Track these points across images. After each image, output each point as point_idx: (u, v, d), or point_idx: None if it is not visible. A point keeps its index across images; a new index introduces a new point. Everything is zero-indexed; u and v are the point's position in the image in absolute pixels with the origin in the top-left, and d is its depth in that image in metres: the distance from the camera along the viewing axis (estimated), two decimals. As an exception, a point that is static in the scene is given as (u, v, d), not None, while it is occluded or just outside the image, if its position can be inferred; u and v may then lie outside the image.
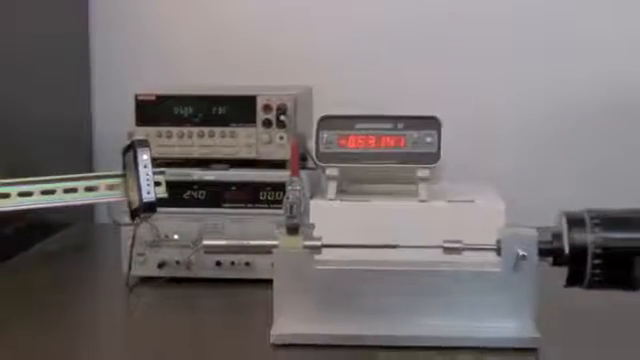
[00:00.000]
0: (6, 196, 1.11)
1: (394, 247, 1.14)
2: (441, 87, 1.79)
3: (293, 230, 1.14)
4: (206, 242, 1.19)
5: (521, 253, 1.11)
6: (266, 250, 1.15)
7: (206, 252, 1.24)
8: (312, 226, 1.18)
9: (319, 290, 1.14)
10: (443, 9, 1.80)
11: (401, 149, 1.33)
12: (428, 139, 1.33)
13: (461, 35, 1.80)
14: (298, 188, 1.15)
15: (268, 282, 1.26)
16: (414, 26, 1.81)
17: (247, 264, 1.39)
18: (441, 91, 1.78)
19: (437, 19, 1.81)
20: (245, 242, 1.18)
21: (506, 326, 1.13)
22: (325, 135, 1.34)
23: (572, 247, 1.09)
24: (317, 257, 1.15)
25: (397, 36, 1.82)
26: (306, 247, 1.14)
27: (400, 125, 1.34)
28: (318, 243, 1.15)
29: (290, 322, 1.14)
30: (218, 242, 1.21)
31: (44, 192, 1.13)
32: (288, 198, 1.14)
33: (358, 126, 1.35)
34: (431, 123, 1.34)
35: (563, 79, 1.79)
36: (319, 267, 1.15)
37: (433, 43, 1.81)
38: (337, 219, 1.22)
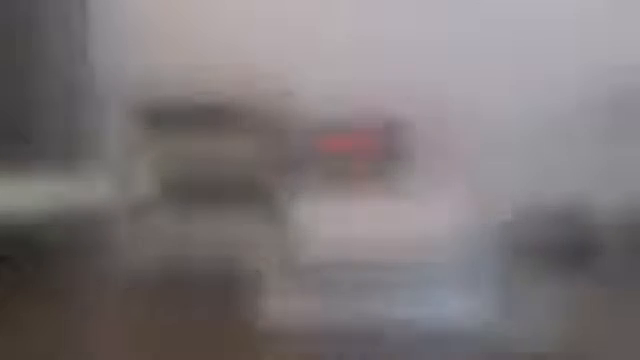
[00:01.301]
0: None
1: (374, 243, 1.19)
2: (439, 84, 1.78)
3: (281, 224, 1.20)
4: (199, 237, 1.27)
5: (483, 244, 1.18)
6: (255, 243, 1.22)
7: (203, 246, 1.30)
8: (298, 221, 1.22)
9: (305, 282, 1.19)
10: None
11: (376, 149, 1.36)
12: (400, 140, 1.37)
13: (463, 31, 1.84)
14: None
15: (256, 276, 1.30)
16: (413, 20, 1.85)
17: (234, 259, 1.41)
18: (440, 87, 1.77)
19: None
20: (235, 236, 1.25)
21: (470, 310, 1.19)
22: (305, 138, 1.38)
23: (573, 246, 1.18)
24: (303, 251, 1.20)
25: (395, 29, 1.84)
26: (293, 241, 1.19)
27: (376, 126, 1.37)
28: (305, 237, 1.19)
29: (278, 312, 1.20)
30: (211, 238, 1.27)
31: (42, 192, 1.20)
32: (276, 194, 1.21)
33: (336, 128, 1.38)
34: (402, 125, 1.37)
35: (565, 74, 1.82)
36: (305, 260, 1.19)
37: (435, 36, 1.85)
38: (320, 215, 1.26)
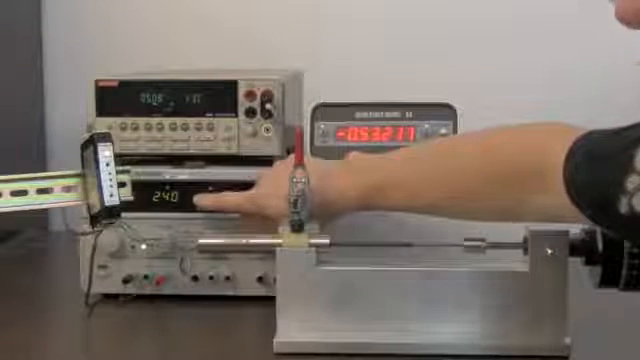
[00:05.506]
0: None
1: (408, 245, 1.17)
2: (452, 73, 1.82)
3: (298, 227, 1.16)
4: (201, 240, 1.24)
5: (550, 251, 1.13)
6: (268, 249, 1.18)
7: (200, 252, 1.30)
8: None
9: (326, 293, 1.17)
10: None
11: (410, 142, 1.34)
12: (443, 130, 1.34)
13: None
14: (303, 180, 1.15)
15: (252, 300, 1.34)
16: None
17: (227, 278, 1.37)
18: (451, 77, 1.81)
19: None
20: (244, 240, 1.21)
21: (533, 332, 1.15)
22: (321, 126, 1.36)
23: (606, 244, 1.11)
24: (323, 257, 1.17)
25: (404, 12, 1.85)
26: (313, 245, 1.16)
27: (409, 114, 1.35)
28: (326, 241, 1.17)
29: (295, 329, 1.17)
30: (214, 240, 1.26)
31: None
32: (292, 191, 1.15)
33: (359, 115, 1.36)
34: (445, 111, 1.34)
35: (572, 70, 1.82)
36: (325, 268, 1.17)
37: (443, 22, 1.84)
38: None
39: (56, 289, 1.54)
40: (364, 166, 1.18)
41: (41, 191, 1.17)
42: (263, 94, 1.38)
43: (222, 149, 1.40)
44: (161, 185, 1.38)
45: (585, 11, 1.77)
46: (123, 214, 1.18)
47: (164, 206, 1.38)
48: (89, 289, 1.36)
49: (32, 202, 1.16)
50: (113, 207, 1.17)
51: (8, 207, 1.15)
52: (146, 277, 1.37)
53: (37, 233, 1.79)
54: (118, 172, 1.18)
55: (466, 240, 1.15)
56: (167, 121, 1.40)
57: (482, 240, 1.15)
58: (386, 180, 1.14)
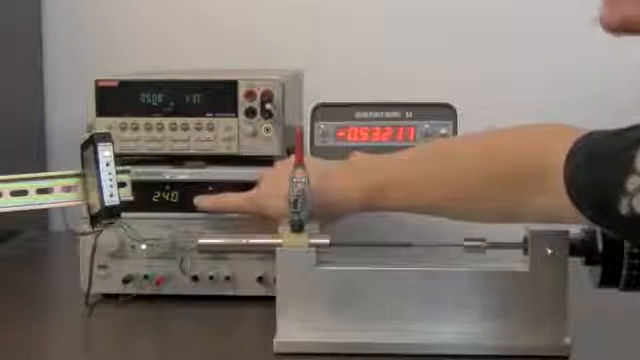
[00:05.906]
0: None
1: (408, 245, 1.17)
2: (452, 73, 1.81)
3: (298, 227, 1.15)
4: (201, 240, 1.24)
5: (550, 251, 1.12)
6: (268, 249, 1.18)
7: (200, 251, 1.31)
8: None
9: (326, 293, 1.16)
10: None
11: (410, 143, 1.32)
12: (443, 130, 1.33)
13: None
14: (303, 180, 1.14)
15: (252, 300, 1.33)
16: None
17: (227, 278, 1.36)
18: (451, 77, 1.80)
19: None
20: (244, 240, 1.21)
21: (533, 332, 1.14)
22: (321, 126, 1.35)
23: (606, 244, 1.10)
24: (323, 257, 1.17)
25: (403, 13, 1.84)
26: (313, 245, 1.16)
27: (409, 114, 1.34)
28: (326, 241, 1.16)
29: (295, 329, 1.17)
30: (214, 240, 1.26)
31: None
32: (292, 191, 1.14)
33: (359, 115, 1.35)
34: (446, 111, 1.34)
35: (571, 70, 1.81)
36: (325, 268, 1.16)
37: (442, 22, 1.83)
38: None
39: (56, 289, 1.53)
40: (366, 166, 1.17)
41: (41, 191, 1.16)
42: (263, 94, 1.37)
43: (222, 149, 1.39)
44: (161, 185, 1.37)
45: (585, 11, 1.78)
46: (123, 214, 1.18)
47: (164, 206, 1.37)
48: (89, 289, 1.35)
49: (32, 202, 1.16)
50: (113, 207, 1.16)
51: (8, 207, 1.15)
52: (146, 277, 1.36)
53: (37, 233, 1.78)
54: (118, 172, 1.18)
55: (466, 240, 1.15)
56: (167, 121, 1.39)
57: (482, 240, 1.15)
58: (386, 180, 1.13)
